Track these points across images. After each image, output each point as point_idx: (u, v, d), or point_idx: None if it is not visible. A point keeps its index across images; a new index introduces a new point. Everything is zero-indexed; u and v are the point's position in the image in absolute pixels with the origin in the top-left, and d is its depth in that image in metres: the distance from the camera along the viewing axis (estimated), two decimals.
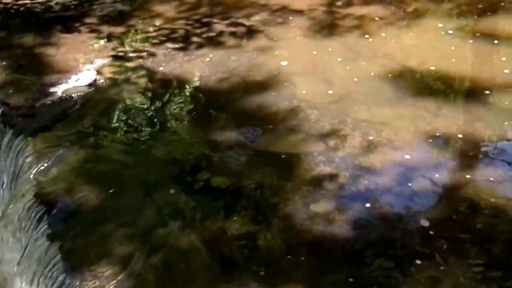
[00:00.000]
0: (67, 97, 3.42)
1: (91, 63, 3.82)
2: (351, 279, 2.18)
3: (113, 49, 4.00)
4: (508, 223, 2.41)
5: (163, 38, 4.13)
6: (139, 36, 4.20)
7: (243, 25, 4.31)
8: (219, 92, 3.50)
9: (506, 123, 3.09)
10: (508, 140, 3.00)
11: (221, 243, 2.36)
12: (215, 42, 4.09)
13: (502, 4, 4.42)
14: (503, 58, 3.75)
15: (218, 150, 2.92)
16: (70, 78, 3.63)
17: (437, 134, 3.00)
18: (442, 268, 2.18)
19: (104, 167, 2.83)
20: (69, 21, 4.41)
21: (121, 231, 2.43)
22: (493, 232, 2.38)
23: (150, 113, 3.32)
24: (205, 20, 4.42)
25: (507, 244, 2.31)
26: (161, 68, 3.77)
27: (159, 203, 2.57)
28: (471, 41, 3.98)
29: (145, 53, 3.94)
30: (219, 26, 4.31)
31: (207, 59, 3.86)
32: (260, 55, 3.88)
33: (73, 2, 4.77)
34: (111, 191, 2.63)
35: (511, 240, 2.32)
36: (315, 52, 3.89)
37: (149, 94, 3.52)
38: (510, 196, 2.53)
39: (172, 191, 2.63)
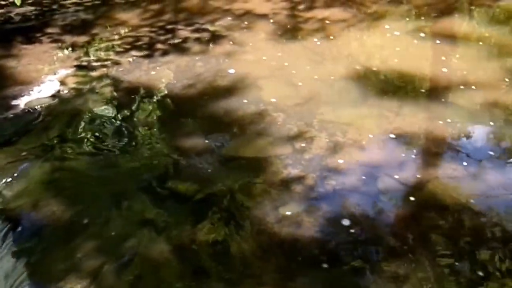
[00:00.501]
0: (30, 109, 3.33)
1: (54, 73, 3.73)
2: (321, 281, 2.19)
3: (77, 58, 3.92)
4: (470, 217, 2.49)
5: (128, 46, 4.08)
6: (103, 45, 4.13)
7: (207, 30, 4.30)
8: (186, 99, 3.47)
9: (464, 120, 3.19)
10: (466, 136, 3.09)
11: (192, 251, 2.33)
12: (180, 48, 4.06)
13: (457, 4, 4.62)
14: (457, 56, 3.89)
15: (187, 157, 2.89)
16: (32, 90, 3.54)
17: (400, 133, 3.06)
18: (410, 264, 2.23)
19: (70, 180, 2.76)
20: (30, 32, 4.30)
21: (89, 244, 2.37)
22: (457, 226, 2.45)
23: (117, 122, 3.26)
24: (169, 26, 4.39)
25: (471, 237, 2.38)
26: (126, 77, 3.72)
27: (127, 214, 2.53)
28: (429, 41, 4.10)
29: (109, 62, 3.88)
30: (184, 32, 4.28)
31: (173, 65, 3.83)
32: (225, 60, 3.88)
33: (34, 12, 4.66)
34: (77, 204, 2.57)
35: (474, 234, 2.40)
36: (280, 55, 3.91)
37: (115, 103, 3.45)
38: (470, 192, 2.61)
39: (140, 200, 2.60)
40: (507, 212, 2.50)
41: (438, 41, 4.06)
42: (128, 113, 3.34)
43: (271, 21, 4.44)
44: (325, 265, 2.27)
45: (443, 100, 3.38)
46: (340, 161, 2.83)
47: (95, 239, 2.40)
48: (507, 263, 2.21)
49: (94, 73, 3.76)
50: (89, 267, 2.28)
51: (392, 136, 3.03)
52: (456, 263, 2.23)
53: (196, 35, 4.24)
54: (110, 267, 2.27)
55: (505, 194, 2.58)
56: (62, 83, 3.64)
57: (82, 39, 4.20)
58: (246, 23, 4.41)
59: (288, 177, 2.72)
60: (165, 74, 3.74)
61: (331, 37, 4.13)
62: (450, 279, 2.16)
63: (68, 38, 4.22)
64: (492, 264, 2.21)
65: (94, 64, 3.87)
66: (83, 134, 3.13)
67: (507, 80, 3.50)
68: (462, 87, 3.48)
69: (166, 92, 3.55)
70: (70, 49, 4.06)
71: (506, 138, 3.06)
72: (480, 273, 2.19)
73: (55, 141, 3.06)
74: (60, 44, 4.14)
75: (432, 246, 2.32)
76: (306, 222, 2.46)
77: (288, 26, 4.36)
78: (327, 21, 4.39)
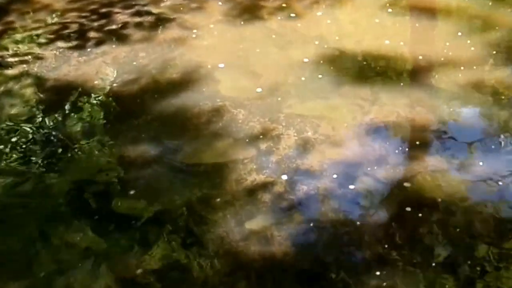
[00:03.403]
0: None
1: None
2: None
3: None
4: (462, 213, 2.54)
5: (52, 36, 3.97)
6: (20, 36, 4.00)
7: (150, 13, 4.23)
8: (128, 97, 3.40)
9: (448, 104, 3.25)
10: (451, 123, 3.16)
11: (142, 284, 2.27)
12: (118, 36, 3.98)
13: None
14: (437, 32, 4.00)
15: (133, 168, 2.84)
16: None
17: (378, 124, 3.10)
18: (400, 273, 2.26)
19: None
20: None
21: (13, 286, 2.26)
22: (447, 225, 2.49)
23: (44, 131, 3.15)
24: (103, 10, 4.29)
25: (464, 236, 2.43)
26: (52, 74, 3.62)
27: (60, 244, 2.46)
28: (406, 16, 4.15)
29: (30, 57, 3.77)
30: (122, 16, 4.21)
31: (110, 57, 3.76)
32: (174, 48, 3.82)
33: None
34: None
35: (467, 232, 2.45)
36: (237, 40, 3.88)
37: (40, 108, 3.35)
38: (459, 184, 2.68)
39: (76, 228, 2.52)
40: (501, 202, 2.59)
41: (416, 16, 4.13)
42: (58, 119, 3.24)
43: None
44: (299, 286, 2.27)
45: (423, 83, 3.45)
46: (312, 161, 2.84)
47: (20, 278, 2.29)
48: (504, 259, 2.31)
49: (10, 72, 3.64)
50: None
51: (368, 128, 3.07)
52: (450, 267, 2.29)
53: (137, 19, 4.17)
54: None
55: (497, 182, 2.67)
56: None
57: None
58: (196, 3, 4.36)
59: (254, 184, 2.72)
60: (101, 68, 3.67)
61: (296, 16, 4.14)
62: (445, 285, 2.21)
63: None
64: (489, 263, 2.31)
65: (11, 60, 3.75)
66: (0, 149, 3.01)
67: (491, 56, 3.62)
68: (443, 67, 3.56)
69: (103, 90, 3.48)
70: None
71: (495, 121, 3.15)
72: (477, 273, 2.26)
73: None
74: None
75: (422, 250, 2.37)
76: (277, 237, 2.45)
77: (246, 5, 4.34)
78: None
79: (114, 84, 3.50)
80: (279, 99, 3.31)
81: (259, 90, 3.39)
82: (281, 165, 2.83)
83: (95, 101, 3.40)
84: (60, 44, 3.89)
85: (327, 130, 3.05)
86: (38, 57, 3.76)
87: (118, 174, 2.83)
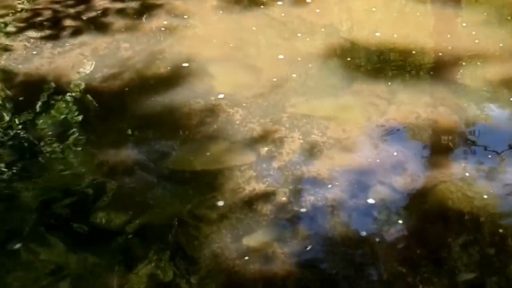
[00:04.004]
0: None
1: None
2: None
3: None
4: (488, 229, 2.55)
5: (22, 25, 4.02)
6: None
7: None
8: (109, 94, 3.43)
9: (475, 104, 3.28)
10: (478, 125, 3.18)
11: None
12: (97, 24, 4.03)
13: None
14: (463, 22, 4.06)
15: (115, 176, 2.85)
16: None
17: (395, 126, 3.12)
18: None
19: None
20: None
21: None
22: (474, 243, 2.50)
23: (13, 132, 3.18)
24: None
25: (493, 255, 2.42)
26: (22, 67, 3.66)
27: (29, 262, 2.45)
28: (428, 4, 4.22)
29: None
30: (102, 2, 4.27)
31: (88, 49, 3.79)
32: (162, 39, 3.85)
33: None
34: None
35: (496, 251, 2.44)
36: (235, 30, 3.94)
37: (8, 106, 3.38)
38: (488, 196, 2.67)
39: (49, 245, 2.53)
40: None
41: (439, 3, 4.21)
42: (29, 118, 3.27)
43: None
44: None
45: (447, 79, 3.49)
46: (320, 168, 2.86)
47: None
48: None
49: None
50: None
51: (386, 131, 3.09)
52: None
53: (120, 5, 4.23)
54: None
55: None
56: None
57: None
58: None
59: (253, 194, 2.73)
60: (78, 61, 3.70)
61: (302, 2, 4.19)
62: None
63: None
64: None
65: None
66: None
67: None
68: (470, 61, 3.61)
69: (80, 86, 3.51)
70: None
71: None
72: None
73: None
74: None
75: (446, 270, 2.38)
76: (280, 255, 2.45)
77: None
78: None
79: (94, 80, 3.53)
80: (281, 97, 3.34)
81: (259, 86, 3.42)
82: (284, 173, 2.85)
83: (71, 99, 3.43)
84: (31, 33, 3.93)
85: (337, 133, 3.08)
86: (6, 49, 3.80)
87: (97, 182, 2.84)
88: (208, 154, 2.98)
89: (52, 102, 3.41)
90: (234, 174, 2.83)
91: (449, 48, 3.74)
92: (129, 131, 3.16)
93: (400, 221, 2.61)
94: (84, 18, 4.11)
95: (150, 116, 3.23)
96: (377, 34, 3.91)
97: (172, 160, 2.97)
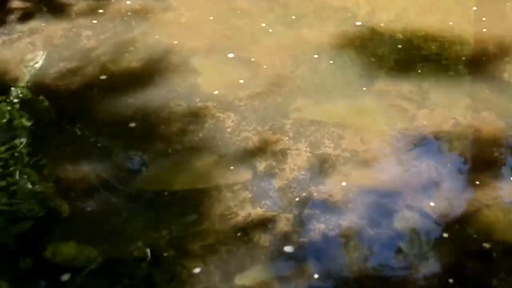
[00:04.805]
0: None
1: None
2: None
3: None
4: None
5: None
6: None
7: None
8: (66, 95, 3.42)
9: None
10: None
11: None
12: (52, 7, 4.02)
13: None
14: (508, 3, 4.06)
15: (72, 199, 2.83)
16: None
17: (425, 135, 3.11)
18: None
19: None
20: None
21: None
22: None
23: None
24: None
25: None
26: None
27: None
28: None
29: None
30: None
31: (40, 37, 3.79)
32: (133, 26, 3.84)
33: None
34: None
35: None
36: (227, 14, 3.92)
37: None
38: None
39: None
40: None
41: None
42: None
43: None
44: None
45: (491, 77, 3.49)
46: (332, 188, 2.84)
47: None
48: None
49: None
50: None
51: (414, 141, 3.08)
52: None
53: None
54: None
55: None
56: None
57: None
58: None
59: (247, 221, 2.72)
60: (27, 53, 3.69)
61: None
62: None
63: None
64: None
65: None
66: None
67: None
68: None
69: (30, 82, 3.51)
70: None
71: None
72: None
73: None
74: None
75: None
76: None
77: None
78: None
79: (46, 76, 3.52)
80: (284, 98, 3.34)
81: (256, 85, 3.40)
82: (287, 194, 2.83)
83: (17, 100, 3.42)
84: None
85: (354, 144, 3.07)
86: None
87: (51, 206, 2.83)
88: (191, 170, 2.97)
89: None
90: (224, 195, 2.83)
91: (493, 37, 3.76)
92: (91, 141, 3.15)
93: (433, 254, 2.62)
94: None
95: (118, 123, 3.23)
96: (403, 19, 3.92)
97: (146, 178, 2.97)
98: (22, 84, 3.52)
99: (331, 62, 3.59)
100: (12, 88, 3.48)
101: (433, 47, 3.73)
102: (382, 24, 3.86)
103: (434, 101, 3.34)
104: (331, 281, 2.52)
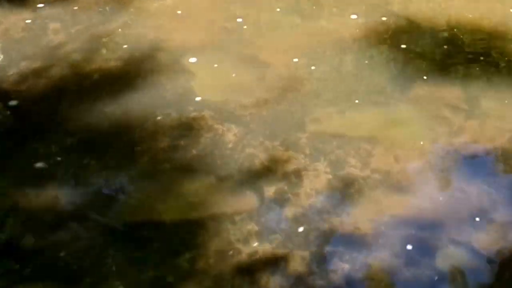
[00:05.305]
0: None
1: None
2: None
3: None
4: None
5: None
6: None
7: None
8: (29, 100, 3.42)
9: None
10: None
11: None
12: None
13: None
14: None
15: (34, 232, 2.77)
16: None
17: (475, 152, 3.10)
18: None
19: None
20: None
21: None
22: None
23: None
24: None
25: None
26: None
27: None
28: None
29: None
30: None
31: None
32: (112, 16, 3.89)
33: None
34: None
35: None
36: (226, 3, 3.97)
37: None
38: None
39: None
40: None
41: None
42: None
43: None
44: None
45: None
46: (359, 218, 2.80)
47: None
48: None
49: None
50: None
51: (461, 159, 3.07)
52: None
53: None
54: None
55: None
56: None
57: None
58: None
59: (252, 260, 2.67)
60: None
61: None
62: None
63: None
64: None
65: None
66: None
67: None
68: None
69: None
70: None
71: None
72: None
73: None
74: None
75: None
76: None
77: None
78: None
79: (4, 78, 3.52)
80: (299, 106, 3.33)
81: (263, 89, 3.42)
82: (303, 226, 2.78)
83: None
84: None
85: (385, 163, 3.05)
86: None
87: (8, 240, 2.76)
88: (182, 195, 2.93)
89: None
90: (224, 227, 2.79)
91: None
92: (59, 160, 3.09)
93: None
94: None
95: (93, 136, 3.21)
96: (444, 8, 3.92)
97: (126, 205, 2.93)
98: None
99: (357, 61, 3.61)
100: None
101: (483, 43, 3.74)
102: (420, 15, 3.89)
103: (485, 109, 3.32)
104: None
